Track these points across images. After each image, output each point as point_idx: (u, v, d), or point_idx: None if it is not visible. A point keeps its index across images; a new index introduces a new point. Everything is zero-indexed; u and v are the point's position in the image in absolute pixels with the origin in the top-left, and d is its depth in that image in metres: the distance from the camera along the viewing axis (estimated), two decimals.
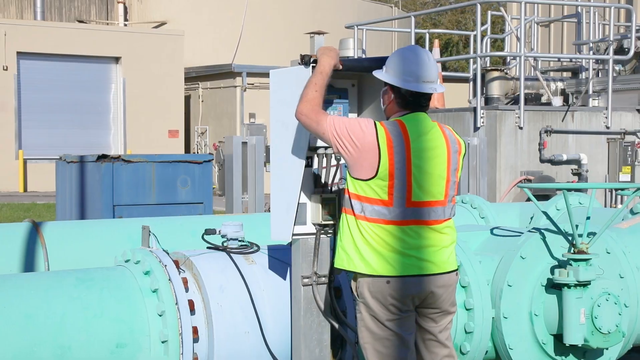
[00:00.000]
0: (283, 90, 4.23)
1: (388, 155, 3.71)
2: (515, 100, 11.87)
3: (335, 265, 3.90)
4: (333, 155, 4.31)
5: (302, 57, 4.07)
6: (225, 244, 4.77)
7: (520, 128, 10.81)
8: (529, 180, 10.40)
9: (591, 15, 12.31)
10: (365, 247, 3.77)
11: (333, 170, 4.37)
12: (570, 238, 4.97)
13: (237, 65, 27.39)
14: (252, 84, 27.46)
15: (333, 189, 4.37)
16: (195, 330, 4.33)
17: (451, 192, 3.87)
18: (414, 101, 3.84)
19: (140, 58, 26.62)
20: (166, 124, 26.79)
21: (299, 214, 4.24)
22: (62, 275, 4.35)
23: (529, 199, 10.67)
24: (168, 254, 4.58)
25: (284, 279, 4.66)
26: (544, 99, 12.13)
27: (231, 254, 4.68)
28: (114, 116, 26.88)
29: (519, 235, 5.16)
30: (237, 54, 29.75)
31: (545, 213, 4.97)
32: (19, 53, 25.25)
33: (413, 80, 3.80)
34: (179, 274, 4.46)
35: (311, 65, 4.04)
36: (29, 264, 5.36)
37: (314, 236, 4.34)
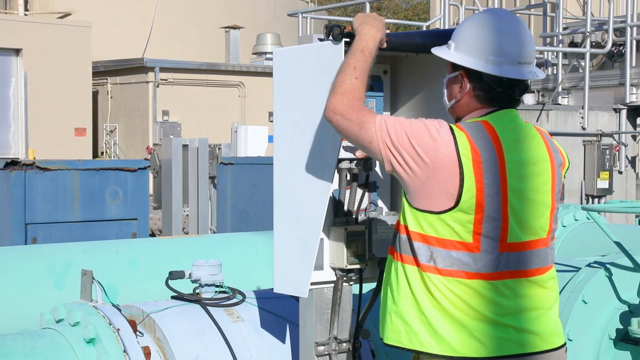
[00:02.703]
0: (295, 77, 2.93)
1: (475, 176, 2.46)
2: None
3: (386, 341, 2.62)
4: (359, 171, 3.06)
5: (330, 28, 2.78)
6: (198, 292, 3.44)
7: None
8: None
9: (560, 6, 11.36)
10: (438, 314, 2.51)
11: (359, 192, 3.11)
12: None
13: (149, 60, 25.89)
14: (166, 80, 26.03)
15: (360, 218, 3.11)
16: None
17: (554, 225, 2.66)
18: (504, 93, 2.59)
19: (44, 50, 24.82)
20: (72, 122, 25.10)
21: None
22: None
23: None
24: (120, 310, 3.22)
25: (283, 341, 3.36)
26: None
27: (208, 307, 3.35)
28: (14, 113, 24.93)
29: (575, 271, 3.99)
30: (148, 48, 28.21)
31: (618, 244, 3.83)
32: None
33: (506, 62, 2.55)
34: (137, 340, 3.11)
35: (344, 40, 2.75)
36: None
37: (333, 285, 3.07)
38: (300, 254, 2.91)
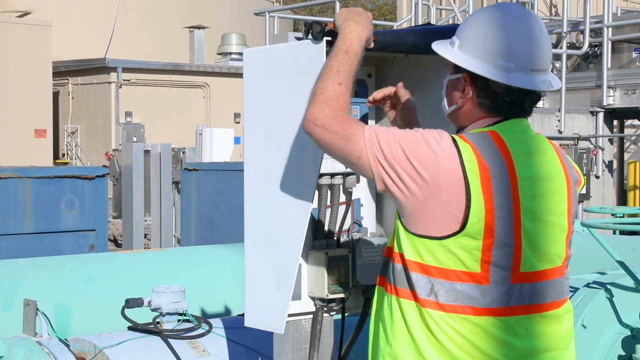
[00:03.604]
0: (269, 81, 2.57)
1: (483, 195, 2.12)
2: None
3: None
4: (341, 187, 2.72)
5: (309, 25, 2.42)
6: (158, 322, 3.06)
7: None
8: None
9: (535, 6, 11.08)
10: (439, 356, 2.17)
11: (341, 210, 2.76)
12: None
13: (111, 60, 25.34)
14: (129, 80, 25.49)
15: (341, 239, 2.76)
16: None
17: (570, 250, 2.33)
18: (512, 103, 2.25)
19: (2, 50, 24.19)
20: (32, 123, 24.47)
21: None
22: None
23: None
24: (67, 345, 2.84)
25: None
26: None
27: (169, 340, 2.97)
28: None
29: (572, 292, 3.67)
30: (111, 48, 27.63)
31: (621, 263, 3.52)
32: None
33: (517, 69, 2.21)
34: None
35: (325, 38, 2.40)
36: None
37: (312, 317, 2.71)
38: (275, 282, 2.55)
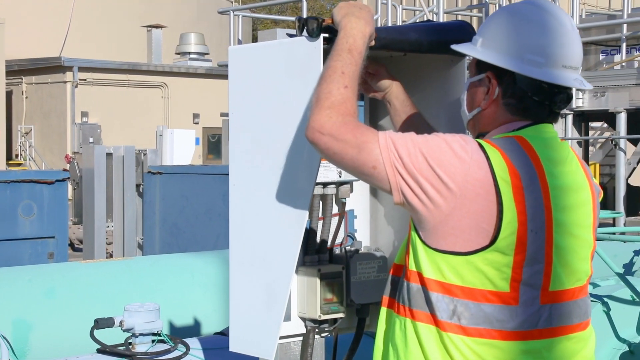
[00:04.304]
0: (258, 82, 2.34)
1: (516, 206, 1.93)
2: None
3: None
4: (334, 197, 2.51)
5: (304, 21, 2.19)
6: (130, 343, 2.81)
7: None
8: None
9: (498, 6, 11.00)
10: None
11: (334, 222, 2.55)
12: None
13: (67, 59, 24.84)
14: (85, 80, 25.01)
15: (334, 252, 2.55)
16: None
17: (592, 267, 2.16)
18: (541, 104, 2.05)
19: None
20: None
21: None
22: None
23: None
24: None
25: None
26: None
27: None
28: None
29: None
30: (66, 46, 27.10)
31: (620, 275, 3.35)
32: None
33: (547, 64, 2.02)
34: None
35: (322, 35, 2.18)
36: None
37: (302, 339, 2.49)
38: (264, 304, 2.32)
